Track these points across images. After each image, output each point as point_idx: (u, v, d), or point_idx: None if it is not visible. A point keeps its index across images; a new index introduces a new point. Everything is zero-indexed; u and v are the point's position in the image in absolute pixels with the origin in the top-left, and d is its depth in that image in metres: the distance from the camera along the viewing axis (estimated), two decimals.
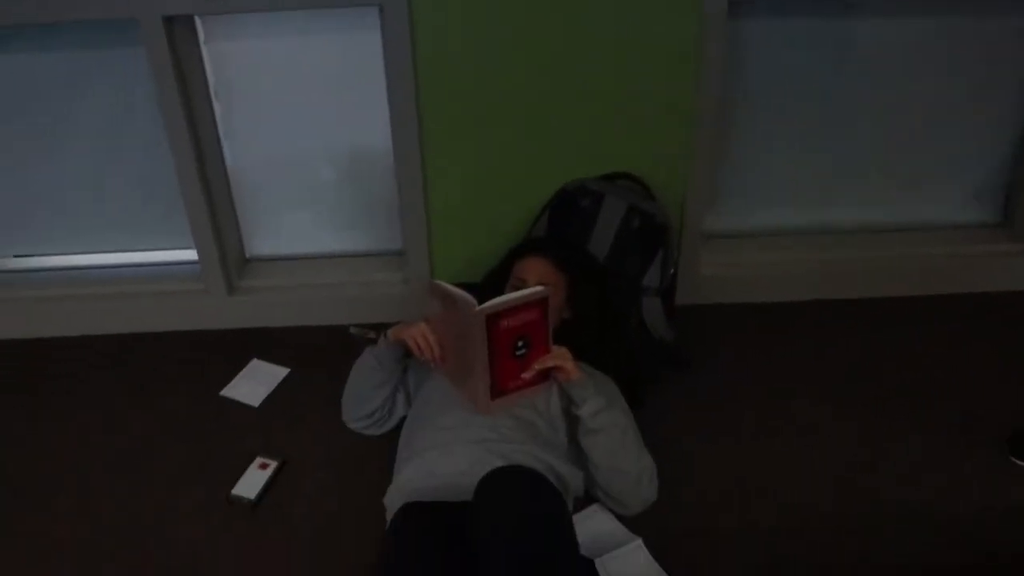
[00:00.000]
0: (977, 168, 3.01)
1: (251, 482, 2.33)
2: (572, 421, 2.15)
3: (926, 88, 2.83)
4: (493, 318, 1.92)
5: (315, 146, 2.85)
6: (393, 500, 2.04)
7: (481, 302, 1.92)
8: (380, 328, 2.29)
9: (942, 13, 2.71)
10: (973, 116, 2.89)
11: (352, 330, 2.39)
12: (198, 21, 2.60)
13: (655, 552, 2.09)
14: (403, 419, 2.35)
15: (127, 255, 3.06)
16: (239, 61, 2.69)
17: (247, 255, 3.07)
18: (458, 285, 2.01)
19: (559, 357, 2.06)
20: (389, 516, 2.03)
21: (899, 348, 2.77)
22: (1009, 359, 2.70)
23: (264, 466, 2.38)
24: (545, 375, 2.09)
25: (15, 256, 3.06)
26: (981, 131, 2.93)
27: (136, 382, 2.76)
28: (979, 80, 2.83)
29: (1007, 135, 2.93)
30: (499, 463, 1.92)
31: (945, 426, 2.45)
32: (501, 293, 2.06)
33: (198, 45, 2.63)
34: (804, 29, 2.71)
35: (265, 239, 3.06)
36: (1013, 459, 2.31)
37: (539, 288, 2.00)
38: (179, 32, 2.52)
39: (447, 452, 2.03)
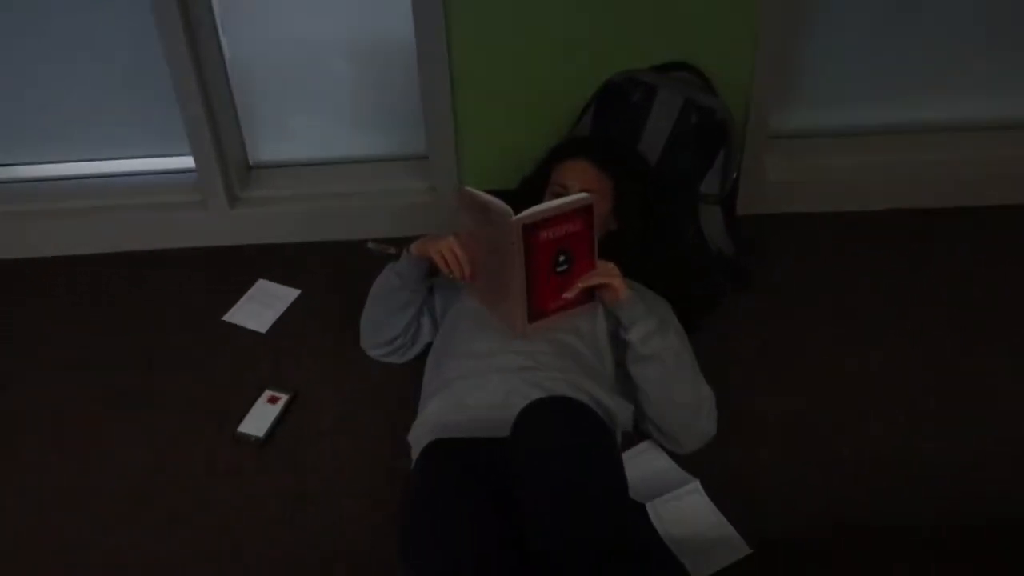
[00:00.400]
0: None
1: (259, 418, 2.34)
2: (620, 347, 2.15)
3: None
4: (531, 229, 1.90)
5: (326, 36, 2.81)
6: (419, 436, 2.04)
7: (517, 211, 1.90)
8: (402, 242, 2.27)
9: None
10: None
11: (370, 245, 2.38)
12: None
13: (713, 495, 2.09)
14: (429, 346, 2.35)
15: (113, 163, 3.04)
16: None
17: (250, 161, 3.06)
18: (490, 192, 1.99)
19: (605, 273, 2.05)
20: (414, 455, 2.03)
21: (999, 266, 2.75)
22: None
23: (273, 400, 2.39)
24: (590, 294, 2.09)
25: None
26: None
27: (127, 308, 2.76)
28: None
29: None
30: (537, 394, 1.92)
31: None
32: (539, 201, 2.03)
33: None
34: None
35: (270, 143, 3.04)
36: None
37: (583, 195, 1.98)
38: None
39: (479, 382, 2.03)
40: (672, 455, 2.18)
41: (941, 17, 2.82)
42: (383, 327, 2.37)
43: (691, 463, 2.16)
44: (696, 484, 2.10)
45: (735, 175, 2.58)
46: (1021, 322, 2.54)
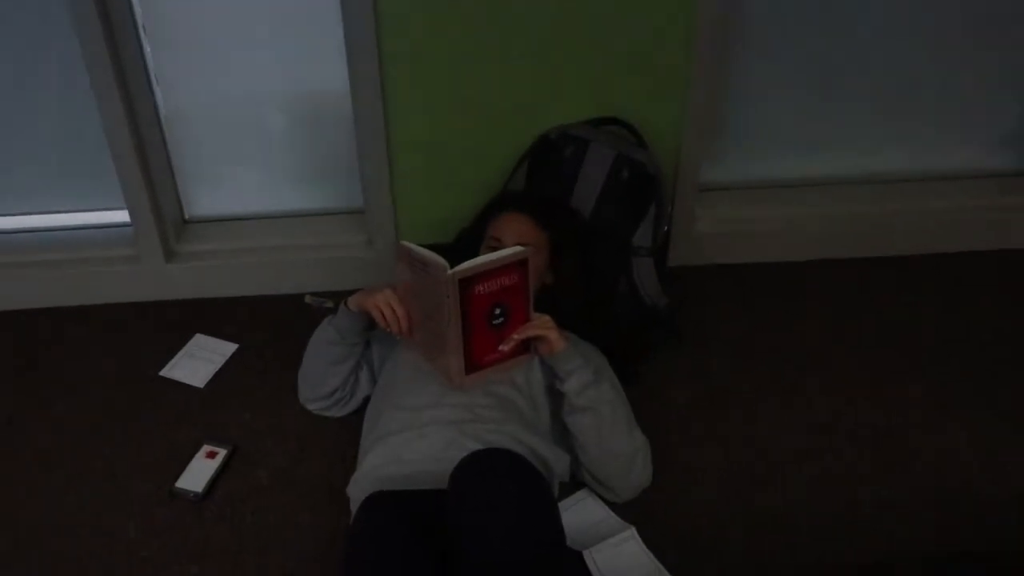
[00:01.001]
0: (1005, 111, 3.05)
1: (197, 473, 2.34)
2: (556, 398, 2.19)
3: (950, 22, 2.84)
4: (467, 283, 1.95)
5: (262, 90, 2.82)
6: (357, 490, 2.07)
7: (453, 265, 1.94)
8: (340, 296, 2.30)
9: None
10: (1002, 53, 2.92)
11: (308, 299, 2.39)
12: None
13: (649, 542, 2.12)
14: (367, 399, 2.38)
15: (45, 218, 3.01)
16: None
17: (186, 216, 3.05)
18: (427, 247, 2.03)
19: (541, 326, 2.10)
20: (354, 508, 2.05)
21: (925, 314, 2.82)
22: None
23: (212, 455, 2.39)
24: (526, 347, 2.13)
25: None
26: (1011, 68, 2.96)
27: (61, 365, 2.74)
28: (1008, 16, 2.85)
29: None
30: (475, 446, 1.95)
31: (974, 404, 2.51)
32: (476, 254, 2.10)
33: None
34: None
35: (206, 197, 3.04)
36: None
37: (518, 248, 2.03)
38: None
39: (416, 435, 2.07)
40: (609, 503, 2.21)
41: (863, 78, 2.90)
42: (321, 380, 2.38)
43: (627, 511, 2.19)
44: (632, 531, 2.13)
45: (666, 227, 2.64)
46: (952, 367, 2.62)
